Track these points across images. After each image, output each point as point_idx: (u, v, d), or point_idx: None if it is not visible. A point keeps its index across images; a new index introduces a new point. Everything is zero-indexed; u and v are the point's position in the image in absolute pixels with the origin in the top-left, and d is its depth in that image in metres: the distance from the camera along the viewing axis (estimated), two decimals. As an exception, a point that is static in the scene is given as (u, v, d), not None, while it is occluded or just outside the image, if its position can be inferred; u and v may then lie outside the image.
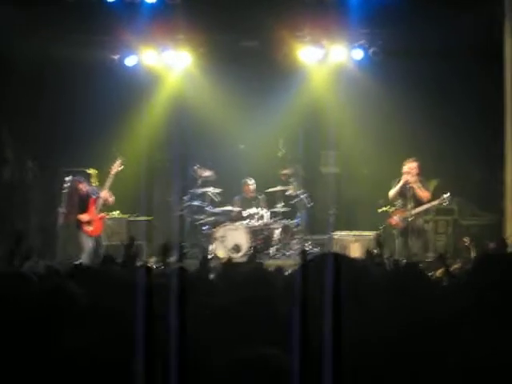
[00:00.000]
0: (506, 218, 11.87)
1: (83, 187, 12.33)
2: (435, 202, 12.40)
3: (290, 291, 3.38)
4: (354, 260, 2.93)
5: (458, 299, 2.90)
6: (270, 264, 9.36)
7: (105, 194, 12.31)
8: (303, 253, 4.29)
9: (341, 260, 2.85)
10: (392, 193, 12.39)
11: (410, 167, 12.27)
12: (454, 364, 2.47)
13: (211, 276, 4.88)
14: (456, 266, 7.85)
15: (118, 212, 14.06)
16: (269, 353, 2.20)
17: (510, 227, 11.76)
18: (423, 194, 12.27)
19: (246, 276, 4.53)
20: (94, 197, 12.31)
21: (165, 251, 5.91)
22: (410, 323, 2.74)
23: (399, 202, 12.39)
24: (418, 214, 12.28)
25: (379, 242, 7.49)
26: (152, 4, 13.34)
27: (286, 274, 5.39)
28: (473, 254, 10.47)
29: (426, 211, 12.66)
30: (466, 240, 11.51)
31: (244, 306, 3.43)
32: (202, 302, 3.18)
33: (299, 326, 2.05)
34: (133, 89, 14.41)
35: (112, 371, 2.50)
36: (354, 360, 2.37)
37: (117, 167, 12.50)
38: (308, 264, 2.84)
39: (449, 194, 12.34)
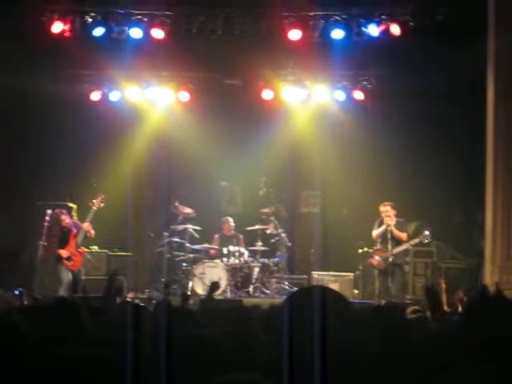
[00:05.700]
0: (485, 262, 11.89)
1: (65, 220, 12.30)
2: (416, 241, 12.46)
3: (270, 327, 3.39)
4: (339, 294, 2.92)
5: (456, 344, 2.87)
6: (249, 302, 9.36)
7: (87, 228, 12.26)
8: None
9: (327, 293, 2.84)
10: (375, 234, 12.49)
11: (387, 209, 12.40)
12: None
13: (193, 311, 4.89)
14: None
15: (95, 247, 14.01)
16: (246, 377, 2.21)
17: (489, 271, 11.77)
18: (401, 235, 12.38)
19: (226, 312, 4.54)
20: (74, 230, 12.28)
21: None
22: (401, 367, 2.71)
23: (379, 243, 12.47)
24: (397, 254, 12.34)
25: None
26: (137, 40, 13.42)
27: (265, 309, 5.38)
28: (444, 298, 10.40)
29: (406, 252, 12.74)
30: (442, 283, 11.52)
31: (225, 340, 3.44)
32: (186, 334, 3.19)
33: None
34: (116, 124, 14.41)
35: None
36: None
37: (99, 202, 12.46)
38: (294, 298, 2.84)
39: (428, 232, 12.39)
